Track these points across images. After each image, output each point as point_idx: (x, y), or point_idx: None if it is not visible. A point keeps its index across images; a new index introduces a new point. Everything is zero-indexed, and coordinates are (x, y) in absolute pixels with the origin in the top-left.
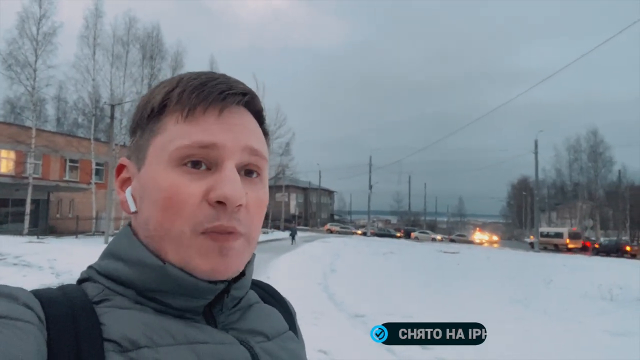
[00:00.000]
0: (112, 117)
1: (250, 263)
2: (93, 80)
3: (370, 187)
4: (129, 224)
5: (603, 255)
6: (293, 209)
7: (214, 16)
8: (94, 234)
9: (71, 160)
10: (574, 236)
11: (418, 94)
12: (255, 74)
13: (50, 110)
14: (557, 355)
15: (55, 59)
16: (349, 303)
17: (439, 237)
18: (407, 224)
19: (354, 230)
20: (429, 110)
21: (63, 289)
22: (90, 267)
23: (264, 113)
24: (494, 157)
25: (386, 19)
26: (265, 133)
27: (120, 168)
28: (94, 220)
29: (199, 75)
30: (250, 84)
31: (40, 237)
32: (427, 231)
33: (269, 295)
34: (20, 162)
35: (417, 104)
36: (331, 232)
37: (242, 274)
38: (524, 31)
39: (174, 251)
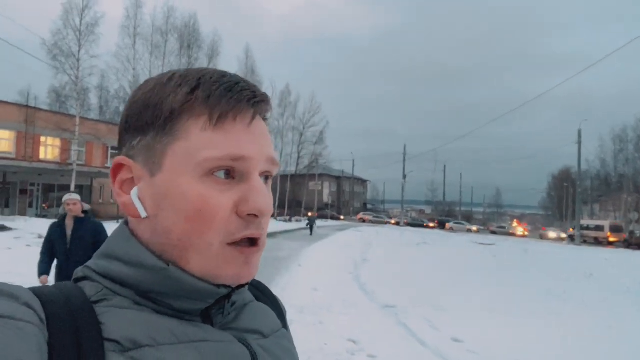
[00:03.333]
0: None
1: None
2: (133, 69)
3: (404, 176)
4: (125, 223)
5: (635, 249)
6: (326, 197)
7: (248, 6)
8: None
9: (113, 148)
10: (615, 229)
11: (453, 82)
12: (273, 80)
13: (94, 99)
14: (597, 351)
15: (98, 49)
16: (380, 293)
17: (474, 228)
18: (442, 215)
19: (387, 220)
20: (465, 98)
21: (60, 287)
22: (86, 266)
23: (269, 115)
24: (534, 147)
25: (419, 4)
26: None
27: (119, 167)
28: None
29: (219, 77)
30: (266, 89)
31: None
32: (463, 222)
33: (261, 292)
34: (65, 149)
35: (453, 91)
36: (364, 221)
37: None
38: (568, 14)
39: (198, 261)
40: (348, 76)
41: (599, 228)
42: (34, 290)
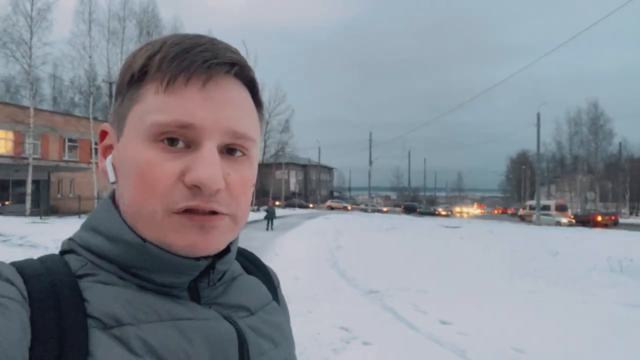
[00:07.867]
0: (110, 95)
1: (235, 239)
2: (89, 57)
3: (370, 163)
4: (111, 196)
5: (578, 226)
6: (293, 186)
7: None
8: None
9: (70, 140)
10: (560, 208)
11: (418, 70)
12: (245, 41)
13: (46, 89)
14: (575, 326)
15: (51, 36)
16: (361, 279)
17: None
18: (407, 200)
19: (354, 206)
20: (429, 86)
21: (45, 262)
22: (71, 239)
23: (257, 82)
24: (494, 131)
25: None
26: (259, 104)
27: (103, 134)
28: (95, 200)
29: (182, 39)
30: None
31: (42, 217)
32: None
33: (252, 264)
34: (19, 143)
35: (418, 80)
36: (332, 208)
37: (227, 249)
38: (524, 4)
39: (147, 229)
40: (310, 68)
41: (546, 207)
42: (16, 265)
